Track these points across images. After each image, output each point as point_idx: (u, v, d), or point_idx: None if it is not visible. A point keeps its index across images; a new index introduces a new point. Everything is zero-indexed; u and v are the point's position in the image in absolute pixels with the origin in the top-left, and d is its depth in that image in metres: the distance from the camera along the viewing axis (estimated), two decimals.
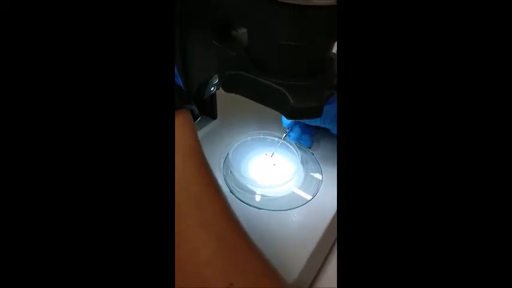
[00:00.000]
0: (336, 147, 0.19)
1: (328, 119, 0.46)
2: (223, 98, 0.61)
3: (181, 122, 0.27)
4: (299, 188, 0.50)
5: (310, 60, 0.32)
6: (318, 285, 0.39)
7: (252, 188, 0.50)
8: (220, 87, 0.38)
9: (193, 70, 0.42)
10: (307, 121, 0.52)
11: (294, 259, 0.38)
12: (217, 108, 0.63)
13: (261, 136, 0.59)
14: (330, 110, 0.44)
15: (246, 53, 0.35)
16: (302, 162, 0.54)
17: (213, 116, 0.64)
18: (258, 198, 0.48)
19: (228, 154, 0.54)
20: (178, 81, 0.31)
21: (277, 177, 0.51)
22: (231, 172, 0.52)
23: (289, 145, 0.56)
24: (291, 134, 0.53)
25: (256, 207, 0.46)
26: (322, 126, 0.49)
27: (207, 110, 0.62)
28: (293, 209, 0.46)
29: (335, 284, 0.18)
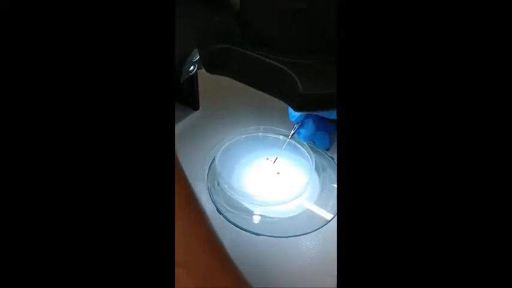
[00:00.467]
0: None
1: None
2: (208, 82, 0.61)
3: None
4: (314, 204, 0.49)
5: (318, 30, 0.32)
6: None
7: (248, 206, 0.49)
8: (202, 67, 0.39)
9: None
10: (323, 113, 0.51)
11: None
12: (200, 95, 0.62)
13: (260, 134, 0.59)
14: None
15: (237, 19, 0.35)
16: (317, 169, 0.54)
17: (193, 106, 0.62)
18: (256, 220, 0.48)
19: (214, 159, 0.54)
20: None
21: (283, 190, 0.50)
22: (218, 184, 0.52)
23: (299, 146, 0.56)
24: (302, 131, 0.53)
25: (254, 233, 0.46)
26: None
27: (185, 98, 0.61)
28: (306, 235, 0.45)
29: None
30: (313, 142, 0.56)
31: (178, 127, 0.60)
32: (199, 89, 0.61)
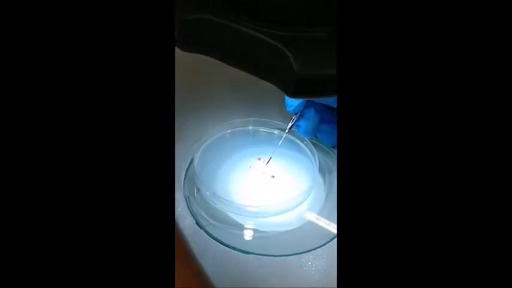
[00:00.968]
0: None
1: None
2: (183, 64, 0.58)
3: None
4: (318, 215, 0.50)
5: None
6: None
7: (235, 218, 0.50)
8: (175, 44, 0.38)
9: None
10: (327, 101, 0.52)
11: None
12: (176, 79, 0.64)
13: (250, 128, 0.60)
14: None
15: None
16: (321, 171, 0.54)
17: None
18: (246, 235, 0.49)
19: (193, 159, 0.55)
20: None
21: (280, 197, 0.51)
22: (198, 191, 0.53)
23: (298, 142, 0.57)
24: (302, 123, 0.53)
25: (243, 251, 0.46)
26: None
27: None
28: (308, 252, 0.46)
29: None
30: (316, 137, 0.57)
31: None
32: (176, 71, 0.62)
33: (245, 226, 0.50)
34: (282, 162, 0.57)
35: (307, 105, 0.53)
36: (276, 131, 0.60)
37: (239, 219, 0.50)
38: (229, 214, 0.50)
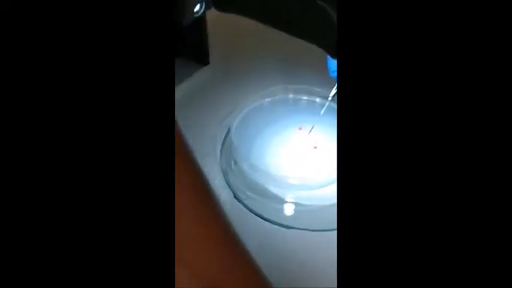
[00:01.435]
0: None
1: None
2: (220, 27, 0.60)
3: None
4: None
5: None
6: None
7: (275, 191, 0.50)
8: (212, 5, 0.40)
9: None
10: None
11: None
12: (210, 45, 0.62)
13: (291, 96, 0.60)
14: None
15: None
16: None
17: (201, 60, 0.62)
18: (287, 208, 0.49)
19: (229, 130, 0.55)
20: None
21: (322, 169, 0.51)
22: (235, 163, 0.53)
23: None
24: None
25: (284, 226, 0.47)
26: None
27: (190, 49, 0.61)
28: None
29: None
30: None
31: (182, 88, 0.60)
32: (209, 37, 0.61)
33: (286, 199, 0.50)
34: (324, 132, 0.57)
35: None
36: (317, 99, 0.60)
37: (279, 193, 0.50)
38: (268, 187, 0.51)
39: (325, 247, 0.45)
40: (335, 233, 0.46)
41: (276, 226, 0.47)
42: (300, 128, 0.57)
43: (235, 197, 0.50)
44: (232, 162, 0.54)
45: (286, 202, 0.50)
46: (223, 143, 0.56)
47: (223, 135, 0.57)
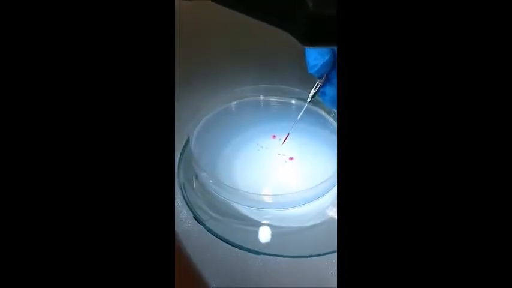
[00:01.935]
0: None
1: None
2: (184, 19, 0.58)
3: None
4: None
5: None
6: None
7: (244, 210, 0.49)
8: None
9: None
10: None
11: None
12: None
13: (262, 98, 0.61)
14: None
15: None
16: None
17: None
18: (258, 232, 0.48)
19: (189, 139, 0.55)
20: None
21: (299, 184, 0.50)
22: (196, 178, 0.52)
23: (323, 115, 0.58)
24: (328, 89, 0.52)
25: (253, 251, 0.45)
26: None
27: None
28: (332, 254, 0.45)
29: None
30: None
31: None
32: None
33: (255, 220, 0.49)
34: (302, 141, 0.56)
35: (335, 66, 0.50)
36: (293, 101, 0.59)
37: (248, 212, 0.49)
38: (235, 206, 0.49)
39: (301, 276, 0.45)
40: (313, 260, 0.45)
41: (243, 252, 0.45)
42: (274, 136, 0.56)
43: (195, 217, 0.48)
44: (193, 177, 0.52)
45: (257, 224, 0.48)
46: (181, 155, 0.55)
47: (182, 145, 0.56)
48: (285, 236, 0.48)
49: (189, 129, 0.55)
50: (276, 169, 0.53)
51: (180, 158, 0.54)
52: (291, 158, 0.54)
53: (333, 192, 0.51)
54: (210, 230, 0.47)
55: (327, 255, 0.45)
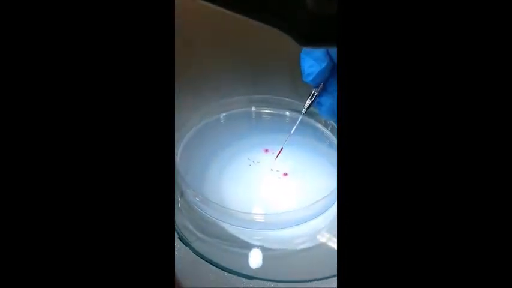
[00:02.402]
0: None
1: None
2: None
3: None
4: None
5: None
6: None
7: (233, 231, 0.48)
8: None
9: None
10: None
11: None
12: None
13: (253, 109, 0.61)
14: None
15: None
16: None
17: None
18: (250, 255, 0.47)
19: (174, 153, 0.54)
20: None
21: (294, 203, 0.50)
22: (181, 196, 0.52)
23: (320, 128, 0.58)
24: (325, 99, 0.51)
25: (245, 276, 0.45)
26: None
27: None
28: (331, 279, 0.44)
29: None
30: None
31: None
32: None
33: (245, 242, 0.48)
34: (297, 156, 0.56)
35: (332, 74, 0.50)
36: (287, 112, 0.59)
37: (237, 233, 0.48)
38: (224, 226, 0.49)
39: None
40: (309, 285, 0.44)
41: (233, 276, 0.45)
42: (266, 150, 0.56)
43: (180, 239, 0.47)
44: (178, 194, 0.51)
45: (247, 246, 0.48)
46: None
47: None
48: (278, 259, 0.47)
49: (175, 141, 0.55)
50: (269, 186, 0.53)
51: None
52: (285, 174, 0.54)
53: (331, 211, 0.50)
54: (196, 252, 0.46)
55: (324, 280, 0.44)
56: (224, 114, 0.58)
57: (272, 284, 0.44)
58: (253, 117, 0.59)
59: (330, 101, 0.51)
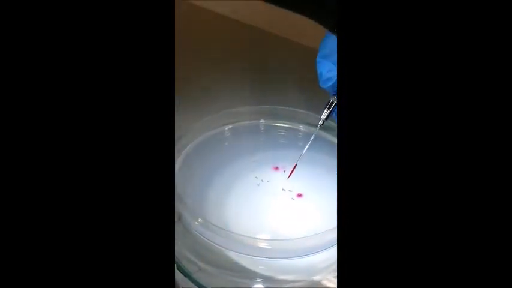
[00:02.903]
0: None
1: None
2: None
3: None
4: None
5: None
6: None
7: (239, 260, 0.47)
8: None
9: None
10: None
11: None
12: None
13: (262, 121, 0.60)
14: None
15: None
16: None
17: None
18: (257, 287, 0.46)
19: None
20: None
21: (309, 228, 0.49)
22: (179, 219, 0.50)
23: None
24: None
25: None
26: None
27: None
28: None
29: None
30: None
31: None
32: None
33: (255, 272, 0.47)
34: (312, 174, 0.55)
35: None
36: (301, 126, 0.58)
37: (245, 263, 0.47)
38: (229, 254, 0.47)
39: None
40: None
41: None
42: (276, 168, 0.55)
43: (179, 269, 0.46)
44: (176, 217, 0.49)
45: (256, 277, 0.47)
46: None
47: None
48: None
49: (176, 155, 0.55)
50: (280, 208, 0.51)
51: None
52: (299, 195, 0.52)
53: None
54: (198, 284, 0.45)
55: None
56: (229, 126, 0.57)
57: None
58: (262, 130, 0.58)
59: None
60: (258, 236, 0.47)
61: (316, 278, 0.46)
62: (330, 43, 0.47)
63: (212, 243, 0.47)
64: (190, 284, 0.46)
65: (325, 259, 0.47)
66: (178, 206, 0.49)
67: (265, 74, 0.61)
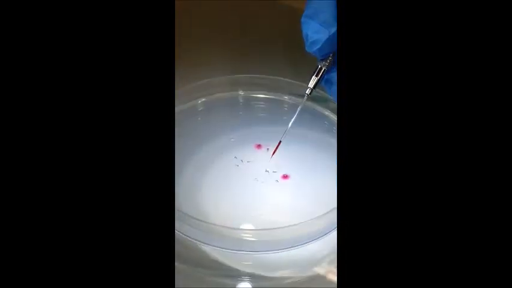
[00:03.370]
0: None
1: None
2: None
3: None
4: None
5: None
6: (315, 280, 0.45)
7: (216, 254, 0.46)
8: None
9: None
10: None
11: None
12: None
13: (241, 92, 0.59)
14: None
15: None
16: None
17: None
18: (239, 285, 0.46)
19: None
20: None
21: (296, 215, 0.47)
22: None
23: (330, 116, 0.56)
24: (335, 75, 0.50)
25: None
26: None
27: None
28: None
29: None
30: None
31: None
32: None
33: (235, 269, 0.46)
34: (300, 152, 0.54)
35: None
36: (286, 97, 0.57)
37: (222, 257, 0.46)
38: (205, 248, 0.46)
39: None
40: None
41: None
42: (258, 146, 0.55)
43: None
44: None
45: (240, 275, 0.46)
46: None
47: None
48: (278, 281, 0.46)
49: None
50: (264, 192, 0.50)
51: None
52: (285, 176, 0.51)
53: None
54: None
55: None
56: (202, 99, 0.57)
57: None
58: (241, 103, 0.58)
59: None
60: (239, 227, 0.47)
61: (308, 273, 0.45)
62: (316, 1, 0.45)
63: (187, 238, 0.46)
64: None
65: (320, 249, 0.46)
66: None
67: (244, 38, 0.59)
